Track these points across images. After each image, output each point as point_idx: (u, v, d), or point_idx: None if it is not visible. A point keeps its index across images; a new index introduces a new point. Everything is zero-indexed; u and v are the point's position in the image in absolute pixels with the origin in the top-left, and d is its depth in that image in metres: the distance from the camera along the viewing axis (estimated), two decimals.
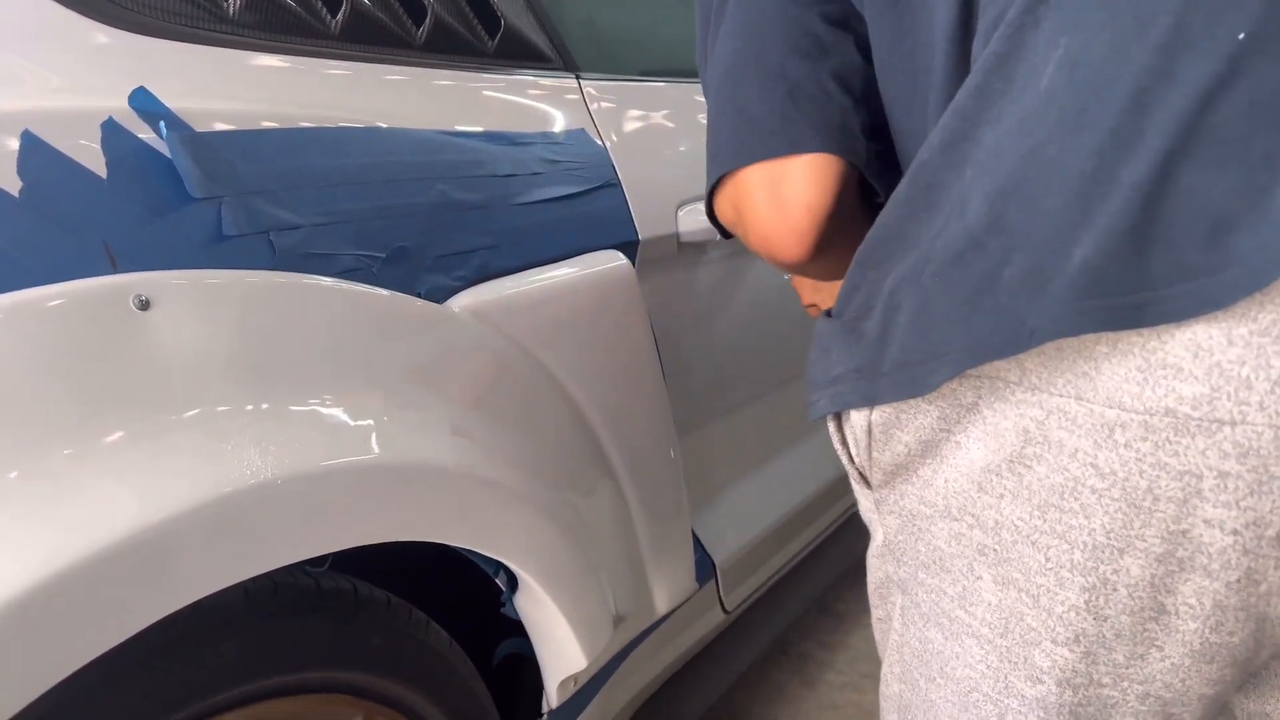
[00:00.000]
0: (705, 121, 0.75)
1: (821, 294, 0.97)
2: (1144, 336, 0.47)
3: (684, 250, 1.25)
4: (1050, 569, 0.52)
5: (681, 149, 1.31)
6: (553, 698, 1.05)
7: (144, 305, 0.65)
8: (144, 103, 0.72)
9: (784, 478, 1.61)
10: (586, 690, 1.14)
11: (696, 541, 1.35)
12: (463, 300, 0.91)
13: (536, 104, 1.13)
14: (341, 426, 0.73)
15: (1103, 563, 0.51)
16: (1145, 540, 0.49)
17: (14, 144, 0.64)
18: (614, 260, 1.08)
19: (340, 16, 0.96)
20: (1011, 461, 0.53)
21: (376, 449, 0.75)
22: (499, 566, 0.96)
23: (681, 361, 1.29)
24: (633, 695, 1.31)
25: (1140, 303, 0.46)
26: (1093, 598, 0.51)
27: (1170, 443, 0.47)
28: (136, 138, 0.71)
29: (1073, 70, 0.48)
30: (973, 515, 0.55)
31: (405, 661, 0.88)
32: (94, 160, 0.68)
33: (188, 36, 0.84)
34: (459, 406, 0.86)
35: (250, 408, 0.68)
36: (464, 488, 0.83)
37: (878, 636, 0.73)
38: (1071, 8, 0.48)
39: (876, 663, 1.95)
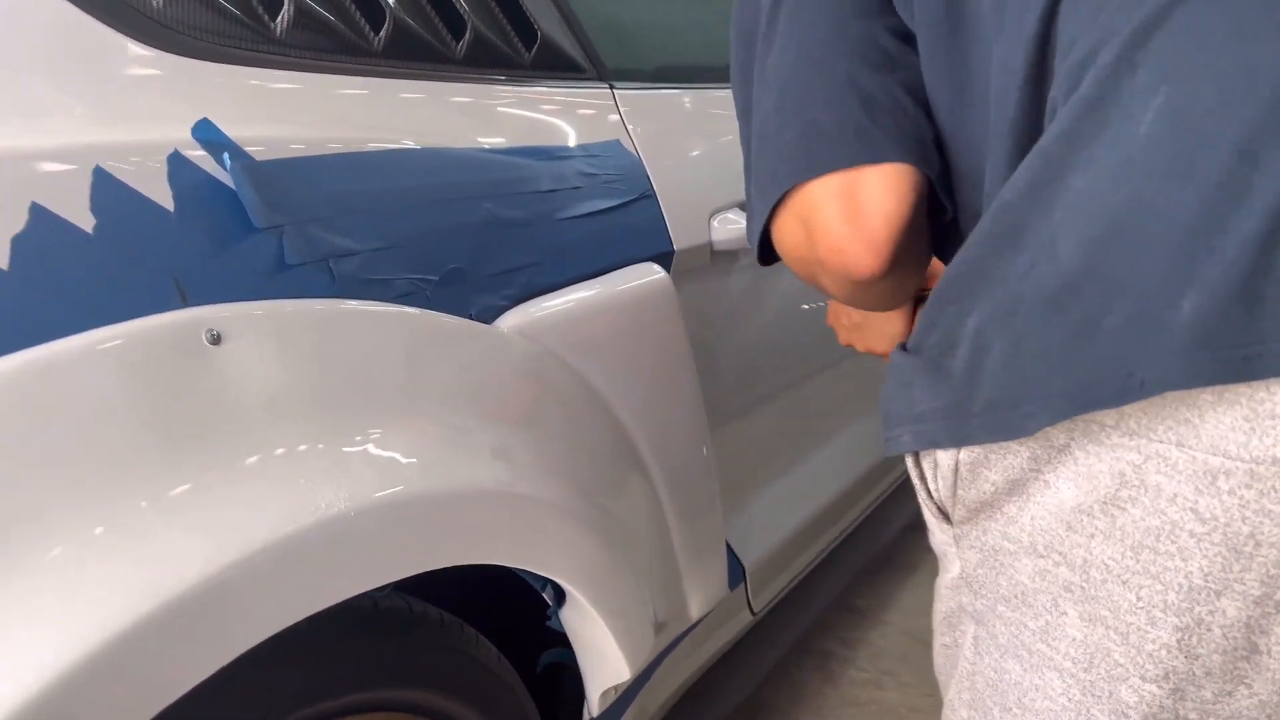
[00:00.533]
0: (743, 139, 0.74)
1: (861, 333, 0.97)
2: (1251, 387, 0.48)
3: (716, 258, 1.26)
4: (1142, 608, 0.53)
5: (711, 155, 1.31)
6: (594, 707, 1.07)
7: (215, 339, 0.66)
8: (207, 133, 0.72)
9: (810, 478, 1.62)
10: (624, 697, 1.16)
11: (727, 546, 1.36)
12: (510, 320, 0.91)
13: (572, 115, 1.13)
14: (406, 455, 0.74)
15: (1198, 604, 0.52)
16: (1244, 584, 0.50)
17: (86, 181, 0.64)
18: (653, 274, 1.09)
19: (383, 33, 0.96)
20: (1105, 503, 0.53)
21: (440, 476, 0.75)
22: (546, 581, 0.97)
23: (711, 368, 1.30)
24: (665, 699, 1.33)
25: (1251, 355, 0.47)
26: (1185, 637, 0.52)
27: (1276, 490, 0.48)
28: (201, 169, 0.71)
29: (1175, 119, 0.48)
30: (1059, 553, 0.56)
31: (457, 677, 0.90)
32: (161, 194, 0.68)
33: (238, 59, 0.84)
34: (514, 428, 0.87)
35: (319, 439, 0.69)
36: (520, 509, 0.84)
37: (939, 662, 0.74)
38: (1172, 56, 0.49)
39: (897, 659, 1.96)
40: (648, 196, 1.15)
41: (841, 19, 0.67)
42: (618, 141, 1.16)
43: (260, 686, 0.72)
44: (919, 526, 2.50)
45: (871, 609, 2.10)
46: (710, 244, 1.23)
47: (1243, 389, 0.48)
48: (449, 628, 0.89)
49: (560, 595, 0.98)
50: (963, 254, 0.58)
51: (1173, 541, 0.51)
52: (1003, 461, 0.58)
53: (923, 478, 0.67)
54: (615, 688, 1.06)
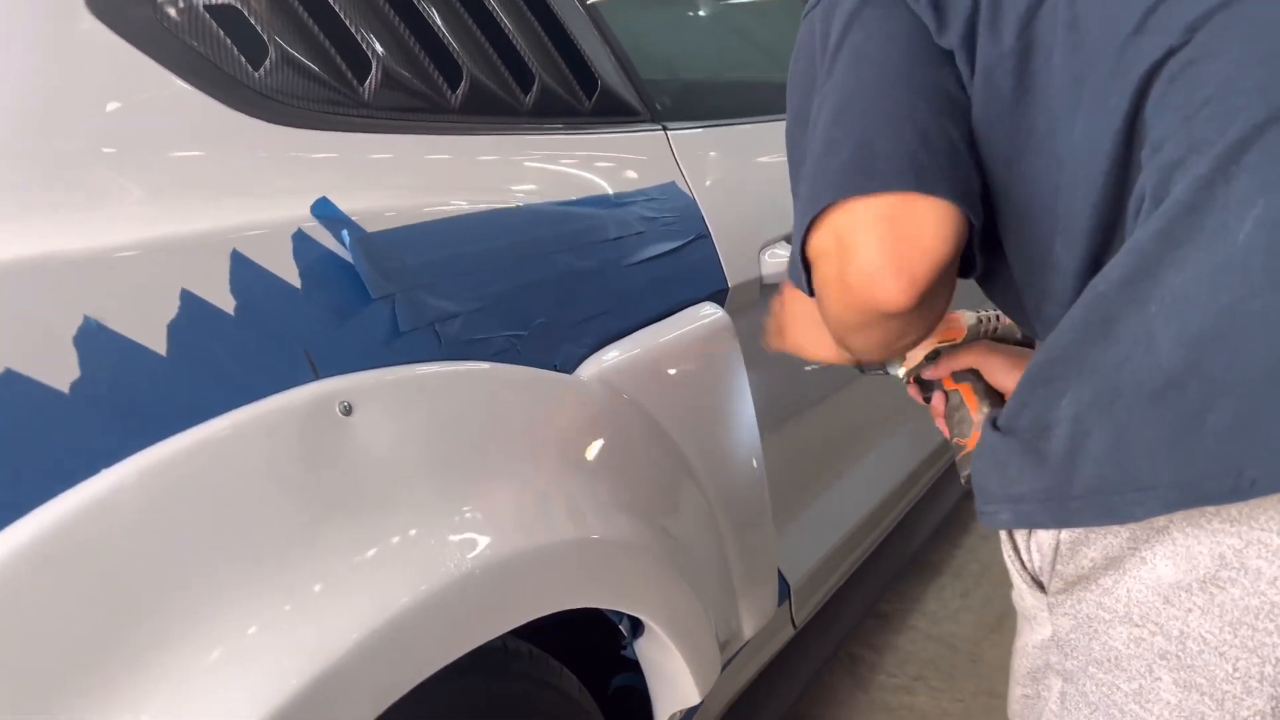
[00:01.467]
0: (795, 194, 0.76)
1: (797, 333, 0.94)
2: None
3: (765, 292, 1.31)
4: (1238, 678, 0.58)
5: (759, 190, 1.36)
6: None
7: (347, 410, 0.70)
8: (326, 210, 0.77)
9: (848, 494, 1.67)
10: (684, 717, 1.21)
11: None
12: (589, 368, 0.96)
13: (631, 160, 1.18)
14: (515, 511, 0.79)
15: None
16: None
17: (225, 264, 0.69)
18: (714, 313, 1.14)
19: (460, 91, 1.01)
20: (1204, 581, 0.58)
21: (543, 530, 0.80)
22: (622, 614, 1.02)
23: (759, 396, 1.34)
24: (715, 715, 1.38)
25: None
26: (1278, 706, 0.57)
27: None
28: (321, 245, 0.75)
29: (1274, 229, 0.52)
30: (1155, 623, 0.61)
31: (545, 707, 0.94)
32: (289, 271, 0.73)
33: (333, 124, 0.88)
34: (600, 474, 0.92)
35: (440, 501, 0.74)
36: (610, 554, 0.89)
37: (1016, 709, 0.78)
38: (1268, 170, 0.53)
39: (925, 664, 2.02)
40: (703, 236, 1.19)
41: (907, 61, 0.69)
42: (673, 183, 1.20)
43: None
44: (943, 531, 2.54)
45: (898, 614, 2.15)
46: (760, 278, 1.28)
47: None
48: (537, 661, 0.94)
49: (635, 627, 1.03)
50: (1054, 338, 0.62)
51: (1271, 619, 0.56)
52: (1103, 540, 0.62)
53: (1016, 549, 0.71)
54: (681, 711, 1.11)
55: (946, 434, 0.94)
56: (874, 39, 0.70)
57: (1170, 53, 0.59)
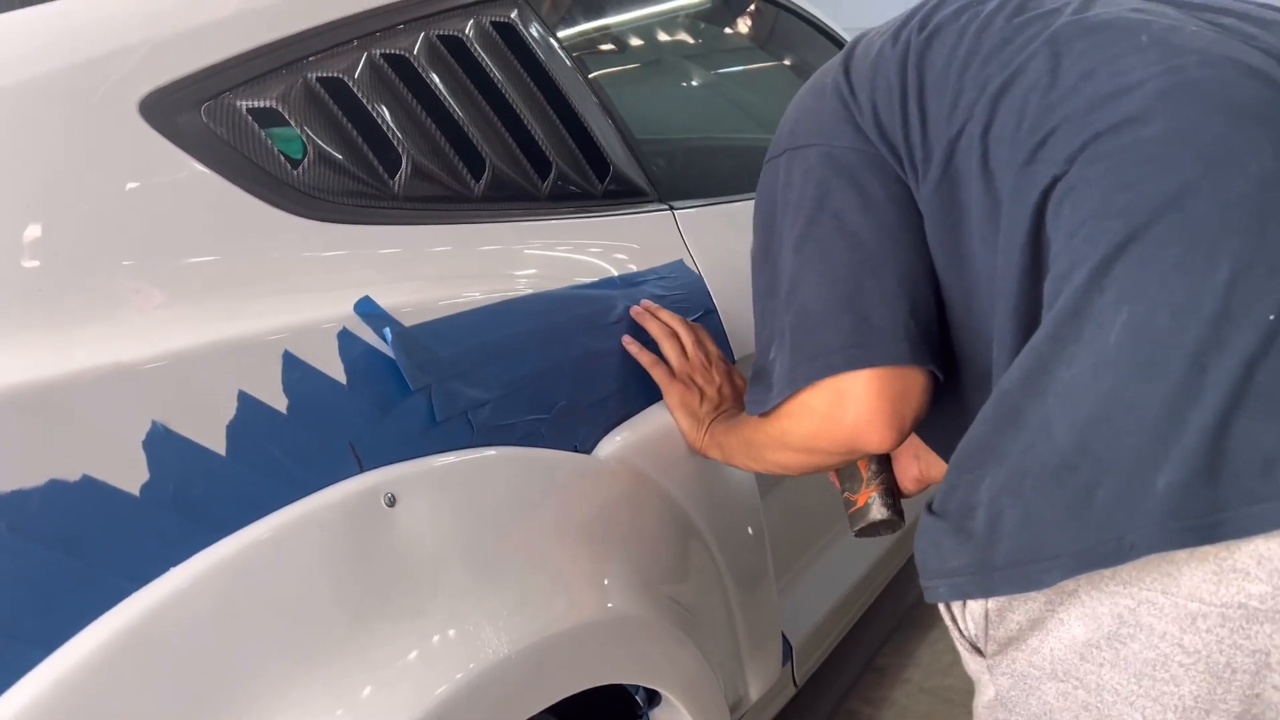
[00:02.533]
0: (764, 313, 0.88)
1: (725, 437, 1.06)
2: (1216, 547, 0.60)
3: None
4: None
5: None
6: None
7: (392, 502, 0.74)
8: (368, 308, 0.81)
9: (844, 553, 1.71)
10: None
11: None
12: (606, 448, 1.00)
13: (641, 240, 1.23)
14: (548, 593, 0.83)
15: None
16: (1226, 703, 0.63)
17: (277, 364, 0.73)
18: None
19: (483, 180, 1.05)
20: (1109, 638, 0.66)
21: (572, 611, 0.84)
22: (638, 685, 1.05)
23: None
24: None
25: (1215, 522, 0.59)
26: None
27: (1243, 629, 0.61)
28: (363, 341, 0.80)
29: (1138, 333, 0.62)
30: (1077, 678, 0.68)
31: None
32: (335, 368, 0.77)
33: (368, 217, 0.93)
34: (621, 551, 0.96)
35: (479, 586, 0.78)
36: (633, 630, 0.92)
37: None
38: (1131, 283, 0.63)
39: (921, 717, 2.04)
40: (710, 312, 1.24)
41: (888, 233, 0.82)
42: (681, 261, 1.25)
43: None
44: None
45: (893, 667, 2.18)
46: None
47: (1210, 549, 0.60)
48: None
49: (651, 697, 1.06)
50: (972, 431, 0.71)
51: (1166, 670, 0.64)
52: (1024, 605, 0.70)
53: (954, 619, 0.79)
54: None
55: (837, 485, 1.08)
56: (856, 209, 0.84)
57: (1055, 180, 0.70)
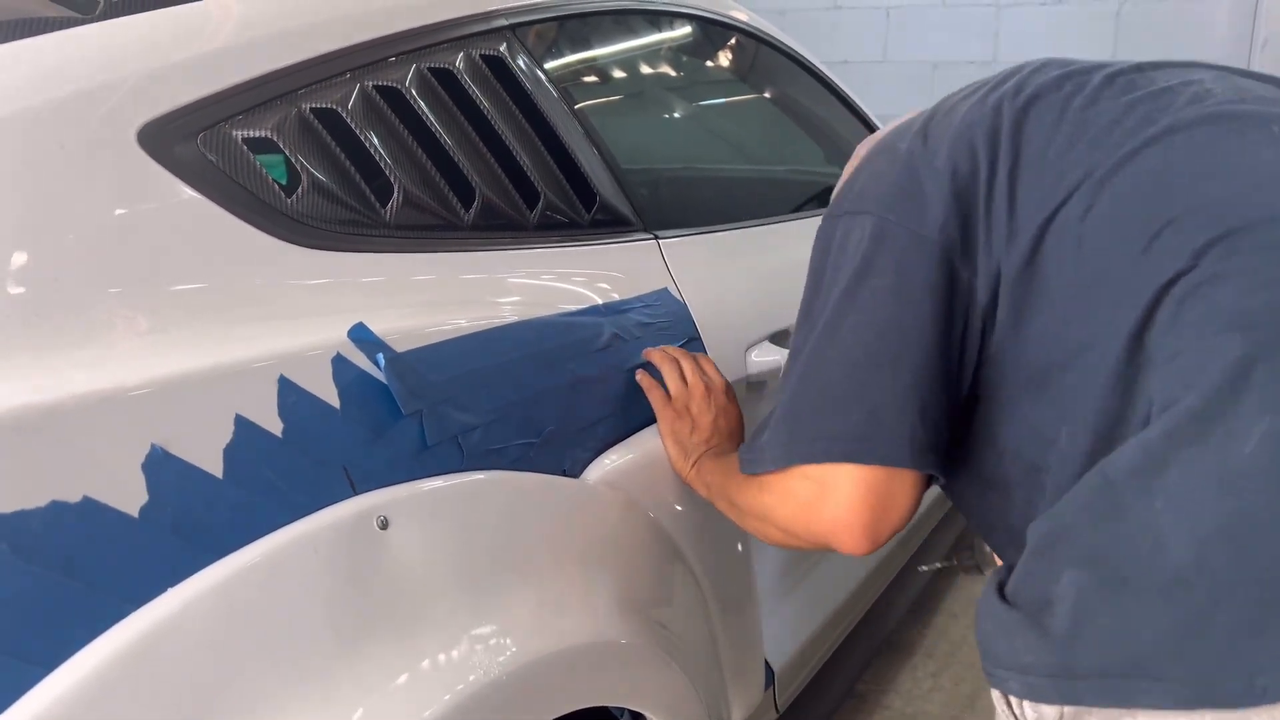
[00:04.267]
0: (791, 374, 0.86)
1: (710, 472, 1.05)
2: None
3: (751, 388, 1.38)
4: None
5: (745, 292, 1.44)
6: None
7: (384, 524, 0.75)
8: (362, 334, 0.82)
9: (830, 578, 1.72)
10: None
11: None
12: (594, 472, 1.02)
13: (626, 269, 1.25)
14: (537, 616, 0.84)
15: None
16: None
17: (273, 389, 0.74)
18: None
19: (472, 209, 1.08)
20: None
21: (560, 634, 0.85)
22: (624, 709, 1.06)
23: None
24: None
25: None
26: None
27: None
28: (356, 366, 0.81)
29: (1278, 446, 0.57)
30: None
31: None
32: (329, 393, 0.78)
33: (361, 245, 0.95)
34: (608, 574, 0.97)
35: (469, 608, 0.79)
36: (620, 653, 0.94)
37: None
38: (1274, 390, 0.59)
39: None
40: (694, 339, 1.26)
41: (920, 326, 0.78)
42: (666, 290, 1.27)
43: None
44: (917, 611, 2.58)
45: (873, 693, 2.19)
46: (747, 377, 1.35)
47: None
48: None
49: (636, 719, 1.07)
50: (1056, 515, 0.67)
51: None
52: (1104, 713, 0.64)
53: (1009, 705, 0.73)
54: None
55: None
56: (891, 294, 0.80)
57: (1179, 275, 0.66)
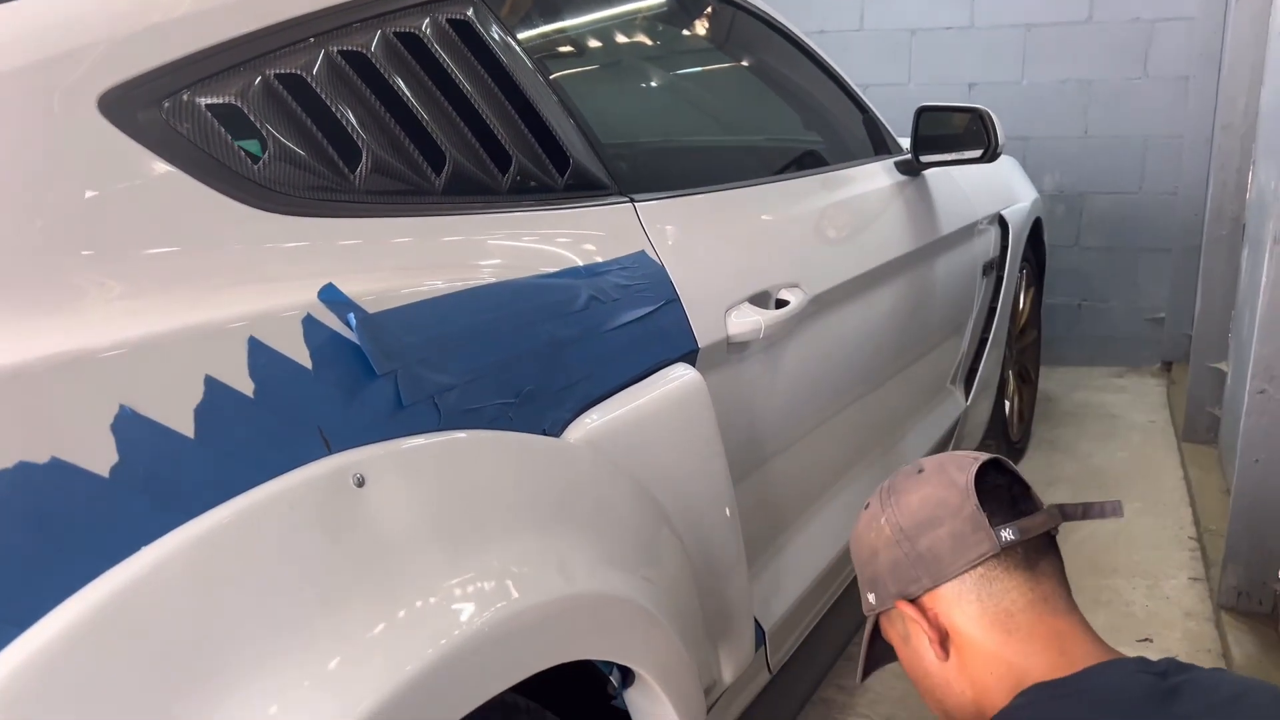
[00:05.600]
0: None
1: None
2: None
3: (732, 349, 1.38)
4: None
5: (722, 253, 1.43)
6: None
7: (360, 482, 0.75)
8: (332, 295, 0.82)
9: (816, 539, 1.73)
10: None
11: None
12: (575, 432, 1.02)
13: (602, 232, 1.25)
14: (518, 570, 0.84)
15: None
16: None
17: (243, 350, 0.74)
18: (686, 374, 1.20)
19: (443, 174, 1.07)
20: None
21: (542, 587, 0.85)
22: (612, 664, 1.06)
23: (730, 448, 1.41)
24: None
25: None
26: None
27: None
28: (328, 328, 0.81)
29: None
30: None
31: None
32: (300, 354, 0.78)
33: (329, 210, 0.94)
34: (589, 532, 0.97)
35: (449, 563, 0.79)
36: (604, 607, 0.94)
37: None
38: None
39: (896, 703, 2.07)
40: (673, 301, 1.26)
41: None
42: (643, 252, 1.27)
43: None
44: None
45: None
46: (727, 338, 1.35)
47: None
48: (533, 714, 0.98)
49: (625, 676, 1.07)
50: None
51: None
52: None
53: None
54: None
55: None
56: None
57: None
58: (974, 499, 1.03)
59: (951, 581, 1.02)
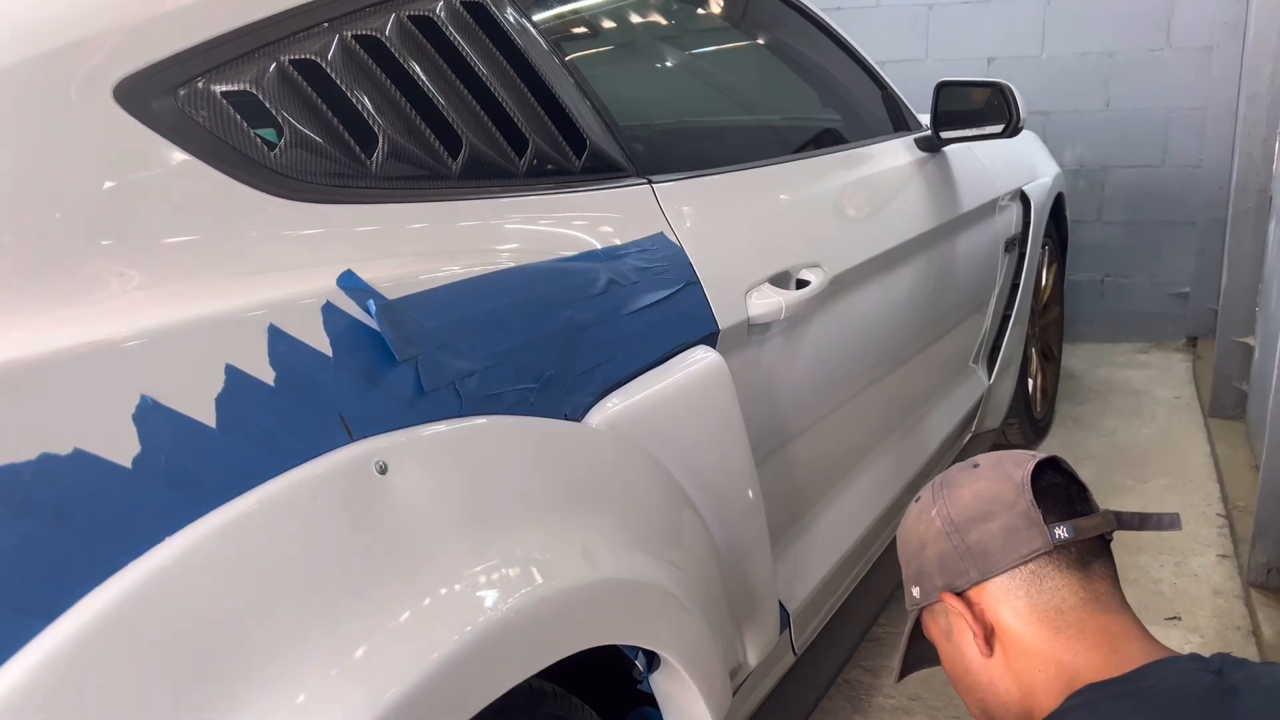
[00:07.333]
0: None
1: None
2: None
3: (753, 330, 1.36)
4: None
5: (742, 234, 1.42)
6: None
7: (383, 469, 0.75)
8: (351, 282, 0.81)
9: (842, 519, 1.72)
10: None
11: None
12: (596, 416, 1.01)
13: (621, 215, 1.23)
14: (542, 556, 0.84)
15: None
16: None
17: (263, 338, 0.73)
18: (708, 356, 1.19)
19: (460, 159, 1.06)
20: None
21: (567, 572, 0.85)
22: (637, 649, 1.06)
23: (752, 430, 1.40)
24: None
25: None
26: None
27: None
28: (347, 314, 0.80)
29: None
30: None
31: None
32: (320, 341, 0.77)
33: (346, 197, 0.93)
34: (613, 516, 0.96)
35: (473, 551, 0.78)
36: (629, 591, 0.93)
37: None
38: None
39: (921, 684, 2.07)
40: (693, 283, 1.25)
41: None
42: (661, 234, 1.26)
43: None
44: None
45: (890, 636, 2.20)
46: (748, 320, 1.33)
47: None
48: (560, 699, 0.97)
49: (650, 661, 1.07)
50: None
51: None
52: None
53: None
54: None
55: None
56: None
57: None
58: (1029, 494, 1.00)
59: (1000, 576, 1.00)
